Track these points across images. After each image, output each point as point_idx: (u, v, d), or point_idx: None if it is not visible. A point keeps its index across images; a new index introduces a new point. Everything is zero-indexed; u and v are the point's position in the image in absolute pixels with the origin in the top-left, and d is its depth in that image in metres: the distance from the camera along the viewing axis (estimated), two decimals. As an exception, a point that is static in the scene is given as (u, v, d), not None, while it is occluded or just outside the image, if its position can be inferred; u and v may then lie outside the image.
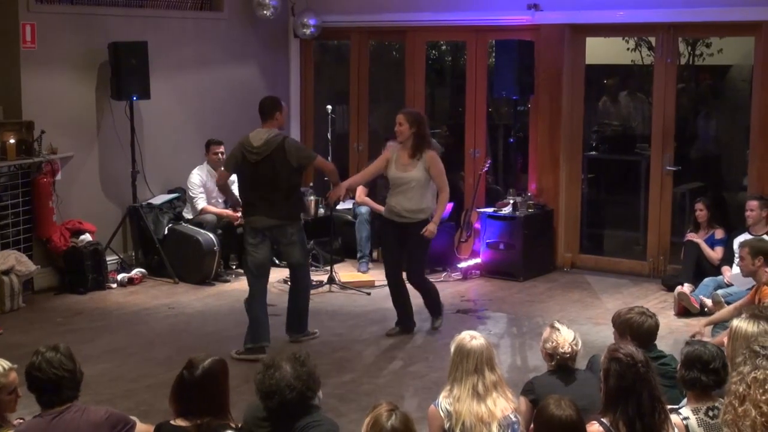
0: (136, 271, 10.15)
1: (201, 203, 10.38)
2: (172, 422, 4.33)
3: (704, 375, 4.61)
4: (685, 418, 4.54)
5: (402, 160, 8.21)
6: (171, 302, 9.45)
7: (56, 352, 4.37)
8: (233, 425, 4.35)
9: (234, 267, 10.60)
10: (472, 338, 4.78)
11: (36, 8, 9.64)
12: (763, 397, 3.92)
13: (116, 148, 10.34)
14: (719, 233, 9.42)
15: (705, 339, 7.49)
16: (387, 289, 9.93)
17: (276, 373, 4.27)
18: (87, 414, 4.33)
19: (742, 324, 4.97)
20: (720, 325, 7.61)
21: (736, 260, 8.80)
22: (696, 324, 8.11)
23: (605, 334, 8.03)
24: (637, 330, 5.37)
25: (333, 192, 8.49)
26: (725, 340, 5.24)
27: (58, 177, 9.78)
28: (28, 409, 4.78)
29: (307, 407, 4.35)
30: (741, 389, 4.10)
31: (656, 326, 5.45)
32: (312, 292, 9.60)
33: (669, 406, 4.47)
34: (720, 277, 8.97)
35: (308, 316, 8.23)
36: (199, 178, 10.41)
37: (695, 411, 4.57)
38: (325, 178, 10.43)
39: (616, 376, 4.24)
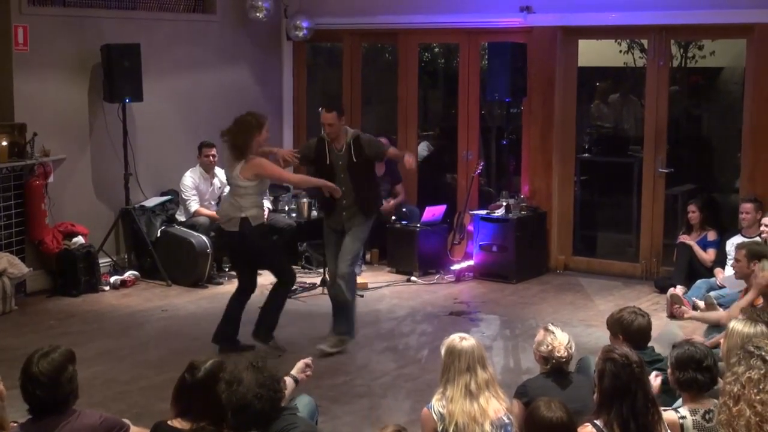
0: (129, 274, 10.14)
1: (194, 205, 10.38)
2: (169, 422, 4.33)
3: (699, 374, 4.63)
4: (682, 417, 4.55)
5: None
6: (164, 305, 9.44)
7: (40, 368, 4.29)
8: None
9: (226, 269, 10.60)
10: (462, 339, 4.79)
11: (28, 10, 9.62)
12: (758, 397, 3.93)
13: (109, 151, 10.33)
14: (712, 235, 9.43)
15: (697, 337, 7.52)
16: (380, 291, 10.00)
17: (240, 387, 4.25)
18: (81, 418, 4.32)
19: (738, 325, 4.99)
20: (714, 328, 7.62)
21: (729, 262, 8.82)
22: (689, 326, 8.11)
23: (598, 336, 8.04)
24: (627, 328, 5.40)
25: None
26: (721, 341, 5.26)
27: (51, 179, 9.76)
28: (21, 412, 4.76)
29: (278, 410, 4.35)
30: (735, 389, 4.11)
31: (647, 325, 5.46)
32: (304, 294, 9.64)
33: (663, 408, 4.48)
34: (712, 279, 8.98)
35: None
36: (191, 180, 10.40)
37: (693, 412, 4.58)
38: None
39: (610, 376, 4.24)
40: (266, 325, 7.94)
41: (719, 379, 4.70)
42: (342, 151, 7.98)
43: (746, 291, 7.38)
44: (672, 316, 8.85)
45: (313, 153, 8.10)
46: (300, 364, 5.23)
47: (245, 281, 8.09)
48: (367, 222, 8.12)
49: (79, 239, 9.83)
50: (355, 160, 7.96)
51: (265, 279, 8.55)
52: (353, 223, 8.04)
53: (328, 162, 8.00)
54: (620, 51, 11.55)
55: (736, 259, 7.46)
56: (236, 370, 4.33)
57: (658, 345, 5.97)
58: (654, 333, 5.67)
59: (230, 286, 10.02)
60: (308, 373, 5.24)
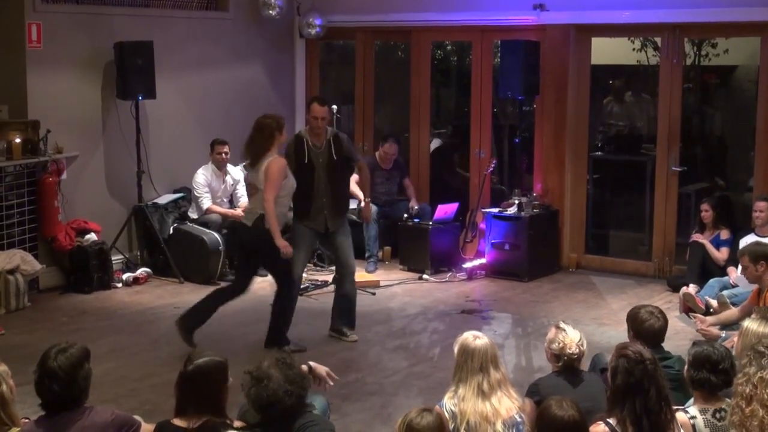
0: (141, 271, 10.16)
1: (206, 203, 10.39)
2: (172, 421, 4.33)
3: (713, 375, 4.61)
4: (692, 417, 4.54)
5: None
6: (176, 302, 9.45)
7: (58, 362, 4.30)
8: (230, 422, 4.33)
9: (239, 267, 10.62)
10: (476, 338, 4.78)
11: (42, 8, 9.64)
12: (771, 397, 3.93)
13: (121, 148, 10.35)
14: (725, 234, 9.39)
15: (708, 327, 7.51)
16: (392, 288, 9.99)
17: (269, 383, 4.25)
18: (93, 415, 4.32)
19: (752, 325, 4.97)
20: (730, 327, 7.61)
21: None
22: (700, 318, 8.06)
23: (610, 335, 8.04)
24: (638, 326, 5.40)
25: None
26: (735, 339, 5.24)
27: (64, 176, 9.78)
28: (33, 408, 4.77)
29: (304, 406, 4.35)
30: (747, 390, 4.11)
31: (659, 329, 5.42)
32: (317, 291, 9.64)
33: (675, 407, 4.47)
34: (725, 278, 8.95)
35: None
36: (204, 177, 10.41)
37: (703, 411, 4.56)
38: None
39: (624, 373, 4.24)
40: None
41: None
42: (322, 149, 7.96)
43: (758, 291, 7.36)
44: (686, 313, 8.84)
45: (293, 151, 8.02)
46: (325, 370, 5.19)
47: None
48: (346, 221, 8.22)
49: (92, 236, 9.86)
50: (335, 157, 7.98)
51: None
52: (339, 223, 8.08)
53: (307, 160, 7.96)
54: (633, 49, 11.52)
55: (744, 267, 7.45)
56: (264, 366, 4.33)
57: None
58: (668, 333, 5.64)
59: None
60: (330, 383, 5.19)
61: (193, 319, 7.92)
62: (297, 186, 7.83)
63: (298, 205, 8.06)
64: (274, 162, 7.57)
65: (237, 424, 4.41)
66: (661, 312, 5.49)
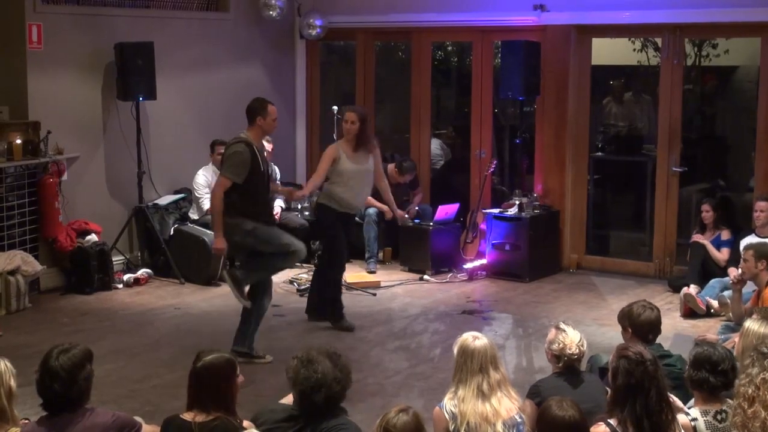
0: (142, 272, 10.16)
1: (207, 204, 10.35)
2: (181, 415, 4.33)
3: (712, 376, 4.60)
4: (693, 419, 4.54)
5: (349, 153, 8.35)
6: (177, 303, 9.46)
7: (60, 362, 4.31)
8: (239, 422, 4.33)
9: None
10: (475, 338, 4.78)
11: (42, 8, 9.65)
12: (773, 398, 3.92)
13: (122, 149, 10.35)
14: (725, 234, 9.39)
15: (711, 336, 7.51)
16: (392, 289, 9.98)
17: (319, 366, 4.27)
18: (93, 416, 4.32)
19: (753, 325, 4.97)
20: (727, 328, 7.61)
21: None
22: (703, 326, 8.08)
23: (611, 335, 8.03)
24: (635, 320, 5.40)
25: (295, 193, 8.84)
26: (736, 340, 5.24)
27: (64, 177, 9.78)
28: (33, 409, 4.77)
29: (339, 406, 4.35)
30: (750, 391, 4.11)
31: (656, 319, 5.43)
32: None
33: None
34: (726, 279, 8.93)
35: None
36: (204, 178, 10.41)
37: (704, 413, 4.56)
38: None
39: (624, 374, 4.24)
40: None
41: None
42: (262, 152, 7.70)
43: (758, 292, 7.36)
44: (685, 315, 8.85)
45: (250, 157, 7.51)
46: None
47: None
48: None
49: (93, 237, 9.86)
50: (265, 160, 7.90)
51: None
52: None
53: (262, 168, 7.59)
54: (634, 49, 11.51)
55: (744, 260, 7.45)
56: (312, 352, 4.35)
57: (673, 349, 5.94)
58: (669, 333, 5.64)
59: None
60: None
61: (338, 311, 8.57)
62: (256, 192, 7.56)
63: (252, 208, 7.64)
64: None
65: (246, 423, 4.41)
66: (651, 303, 5.52)
